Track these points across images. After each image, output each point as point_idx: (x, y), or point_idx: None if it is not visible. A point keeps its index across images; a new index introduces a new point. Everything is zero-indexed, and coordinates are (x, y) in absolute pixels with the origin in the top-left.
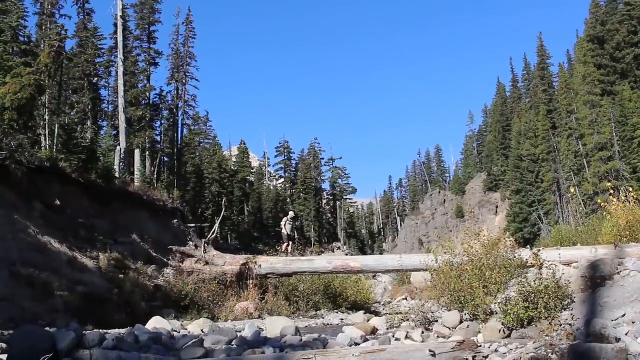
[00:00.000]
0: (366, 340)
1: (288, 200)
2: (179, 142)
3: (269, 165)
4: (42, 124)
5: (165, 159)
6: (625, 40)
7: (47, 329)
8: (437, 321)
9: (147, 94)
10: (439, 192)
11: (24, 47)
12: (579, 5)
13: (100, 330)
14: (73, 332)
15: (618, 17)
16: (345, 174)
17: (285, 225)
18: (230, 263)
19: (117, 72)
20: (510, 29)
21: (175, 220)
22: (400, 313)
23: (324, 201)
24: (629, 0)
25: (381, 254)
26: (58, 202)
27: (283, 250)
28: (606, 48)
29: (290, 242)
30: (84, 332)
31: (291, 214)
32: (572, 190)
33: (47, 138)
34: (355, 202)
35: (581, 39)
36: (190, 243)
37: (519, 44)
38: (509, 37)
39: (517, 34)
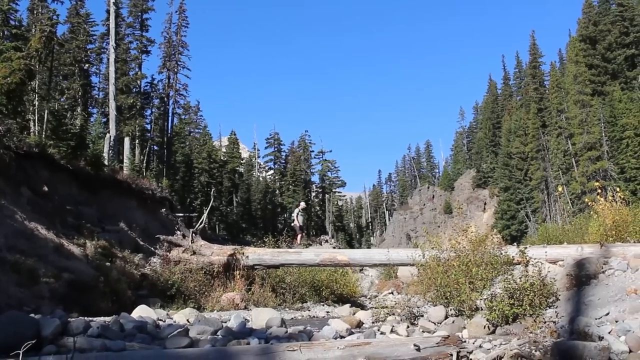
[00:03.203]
0: (351, 333)
1: (277, 192)
2: (169, 131)
3: (259, 157)
4: (31, 109)
5: (155, 147)
6: (616, 41)
7: (32, 315)
8: (422, 316)
9: (138, 82)
10: (428, 188)
11: (15, 31)
12: (572, 4)
13: (86, 318)
14: (58, 319)
15: (610, 17)
16: (335, 167)
17: (297, 216)
18: (217, 253)
19: (108, 59)
20: (503, 26)
21: (164, 210)
22: (386, 307)
23: (313, 194)
24: (621, 1)
25: (369, 247)
26: (46, 189)
27: (298, 242)
28: (598, 48)
29: (302, 233)
30: (68, 319)
31: (302, 204)
32: (560, 188)
33: (36, 123)
34: (344, 196)
35: (573, 38)
36: (178, 232)
37: (511, 41)
38: (502, 35)
39: (510, 32)
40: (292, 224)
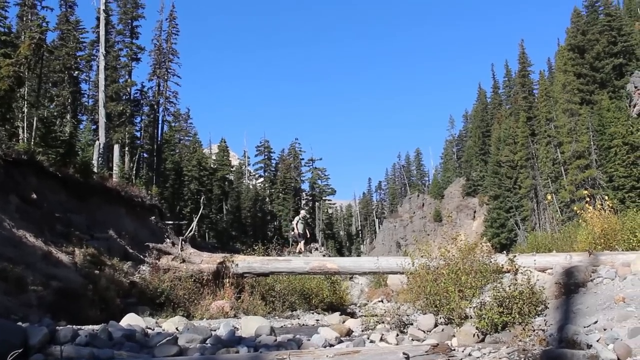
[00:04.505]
0: (341, 341)
1: (267, 199)
2: (159, 139)
3: (249, 164)
4: (20, 116)
5: (145, 155)
6: (604, 50)
7: (20, 323)
8: (412, 324)
9: (128, 89)
10: (418, 196)
11: (4, 38)
12: (560, 14)
13: (74, 326)
14: (45, 328)
15: (598, 27)
16: (325, 175)
17: (297, 224)
18: (207, 261)
19: (98, 66)
20: (492, 35)
21: (153, 217)
22: (376, 315)
23: (303, 202)
24: (609, 11)
25: (359, 255)
26: (34, 196)
27: (297, 250)
28: (586, 57)
29: (303, 242)
30: (56, 327)
31: (302, 212)
32: (549, 197)
33: (25, 131)
34: (334, 204)
35: (562, 47)
36: (168, 240)
37: (500, 50)
38: (491, 44)
39: (499, 41)
40: (292, 232)
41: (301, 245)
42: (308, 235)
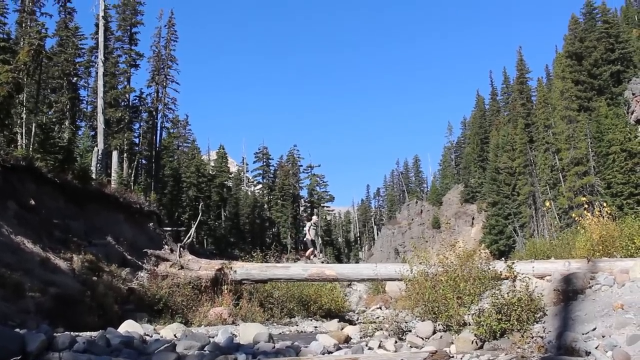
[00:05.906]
0: (339, 348)
1: (265, 206)
2: (158, 145)
3: (247, 171)
4: (19, 122)
5: (143, 161)
6: (602, 57)
7: (17, 330)
8: (410, 331)
9: (127, 96)
10: (416, 202)
11: (3, 44)
12: (558, 21)
13: (72, 333)
14: (43, 334)
15: (596, 34)
16: (323, 182)
17: (309, 230)
18: (205, 268)
19: (97, 73)
20: (490, 42)
21: (151, 224)
22: (374, 322)
23: (301, 208)
24: (607, 19)
25: (357, 262)
26: (33, 202)
27: (307, 256)
28: (584, 64)
29: (314, 248)
30: (54, 334)
31: (315, 218)
32: (548, 203)
33: (24, 137)
34: (333, 210)
35: (560, 54)
36: (166, 247)
37: (498, 57)
38: (489, 51)
39: (497, 48)
40: (304, 239)
41: (312, 251)
42: (319, 241)
